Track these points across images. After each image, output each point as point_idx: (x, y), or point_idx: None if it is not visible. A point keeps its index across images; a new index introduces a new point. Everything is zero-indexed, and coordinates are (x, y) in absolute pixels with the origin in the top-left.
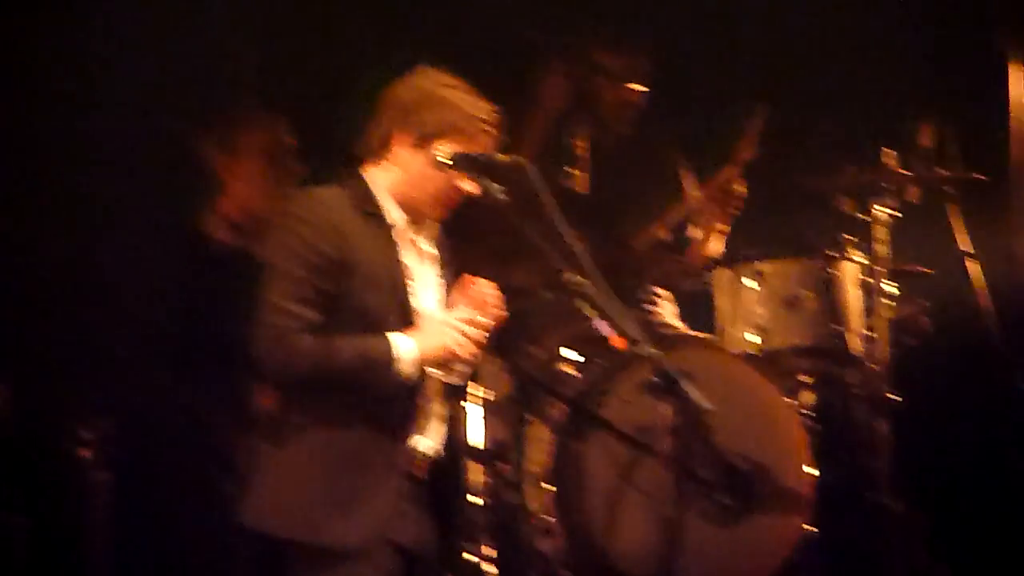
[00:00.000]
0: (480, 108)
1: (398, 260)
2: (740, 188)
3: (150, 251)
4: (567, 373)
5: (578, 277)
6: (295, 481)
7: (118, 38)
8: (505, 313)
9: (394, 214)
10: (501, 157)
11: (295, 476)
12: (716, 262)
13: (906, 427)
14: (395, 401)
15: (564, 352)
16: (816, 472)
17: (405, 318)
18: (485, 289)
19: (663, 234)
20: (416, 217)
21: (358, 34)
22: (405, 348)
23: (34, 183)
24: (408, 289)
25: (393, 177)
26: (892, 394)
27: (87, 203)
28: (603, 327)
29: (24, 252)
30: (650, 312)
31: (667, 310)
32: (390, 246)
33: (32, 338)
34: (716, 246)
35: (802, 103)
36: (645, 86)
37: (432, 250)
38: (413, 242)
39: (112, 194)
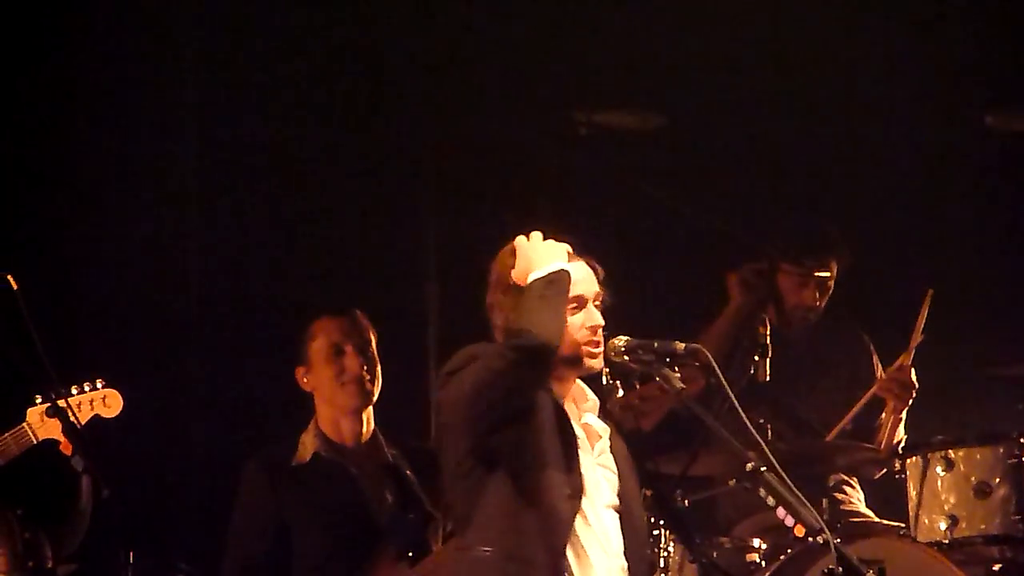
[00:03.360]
0: None
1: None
2: (913, 375)
3: None
4: (753, 562)
5: (759, 465)
6: None
7: None
8: None
9: None
10: (679, 344)
11: None
12: (905, 449)
13: None
14: None
15: (750, 541)
16: None
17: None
18: None
19: (847, 422)
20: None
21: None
22: None
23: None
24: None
25: None
26: None
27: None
28: (785, 516)
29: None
30: (840, 501)
31: (857, 498)
32: None
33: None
34: (902, 433)
35: (992, 290)
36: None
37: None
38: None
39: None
